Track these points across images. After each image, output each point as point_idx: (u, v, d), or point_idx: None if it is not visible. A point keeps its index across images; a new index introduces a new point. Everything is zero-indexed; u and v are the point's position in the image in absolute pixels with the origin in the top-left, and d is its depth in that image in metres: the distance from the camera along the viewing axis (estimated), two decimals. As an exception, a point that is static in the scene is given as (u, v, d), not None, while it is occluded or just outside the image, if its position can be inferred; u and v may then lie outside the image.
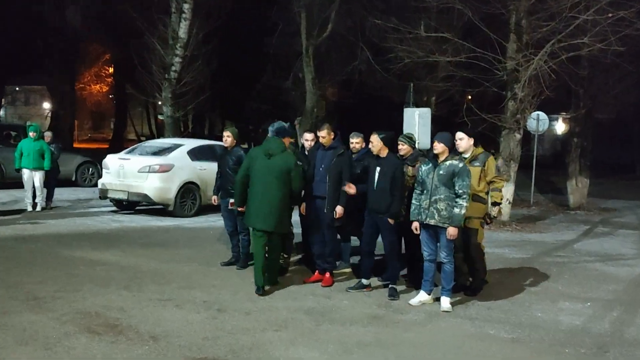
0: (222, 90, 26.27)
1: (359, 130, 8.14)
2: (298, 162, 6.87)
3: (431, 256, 6.59)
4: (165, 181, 12.41)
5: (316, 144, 7.65)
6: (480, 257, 7.09)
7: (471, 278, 7.25)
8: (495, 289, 7.41)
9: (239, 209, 7.36)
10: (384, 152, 6.93)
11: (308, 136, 8.09)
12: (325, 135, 7.26)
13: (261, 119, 38.30)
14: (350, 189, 7.08)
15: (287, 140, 7.04)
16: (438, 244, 6.58)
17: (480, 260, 7.09)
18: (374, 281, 7.42)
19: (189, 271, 7.83)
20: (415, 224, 6.61)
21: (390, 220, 6.78)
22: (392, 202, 6.76)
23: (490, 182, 6.95)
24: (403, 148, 7.16)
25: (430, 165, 6.51)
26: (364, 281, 7.21)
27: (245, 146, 41.67)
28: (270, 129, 7.04)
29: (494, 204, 6.92)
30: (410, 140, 7.21)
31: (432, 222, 6.41)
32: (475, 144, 7.02)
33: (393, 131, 7.14)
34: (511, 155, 13.19)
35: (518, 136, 13.23)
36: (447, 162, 6.40)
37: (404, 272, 7.67)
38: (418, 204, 6.58)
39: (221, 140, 8.44)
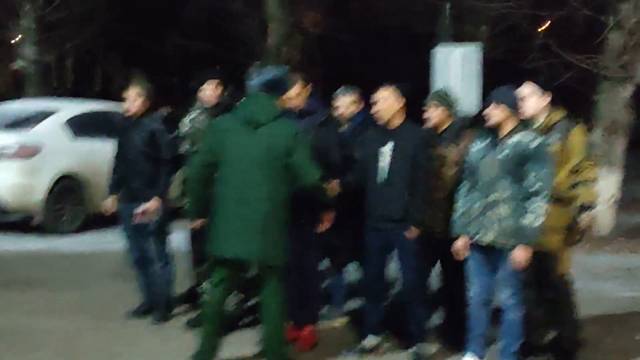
0: (124, 18, 26.11)
1: (356, 83, 8.13)
2: (300, 134, 6.56)
3: (483, 296, 6.63)
4: (28, 174, 12.41)
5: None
6: (568, 297, 7.12)
7: (552, 332, 7.29)
8: (593, 351, 7.43)
9: (193, 225, 7.09)
10: (398, 120, 6.93)
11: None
12: (296, 91, 7.25)
13: (192, 65, 38.01)
14: (333, 188, 7.05)
15: (283, 100, 6.75)
16: (496, 276, 6.60)
17: (569, 304, 7.12)
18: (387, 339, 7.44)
19: (72, 329, 7.78)
20: (461, 242, 6.62)
21: (414, 232, 6.78)
22: (414, 202, 6.78)
23: (575, 170, 6.97)
24: (435, 115, 7.16)
25: (487, 142, 6.52)
26: (370, 339, 7.21)
27: (165, 112, 41.67)
28: (259, 79, 6.62)
29: (583, 207, 6.92)
30: (446, 101, 7.22)
31: (487, 238, 6.44)
32: (552, 106, 7.04)
33: (409, 83, 7.09)
34: (615, 125, 13.26)
35: (626, 92, 13.29)
36: (514, 138, 6.41)
37: (435, 318, 7.69)
38: (466, 207, 6.60)
39: (122, 102, 8.36)
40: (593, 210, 7.04)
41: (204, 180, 6.60)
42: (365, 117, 7.90)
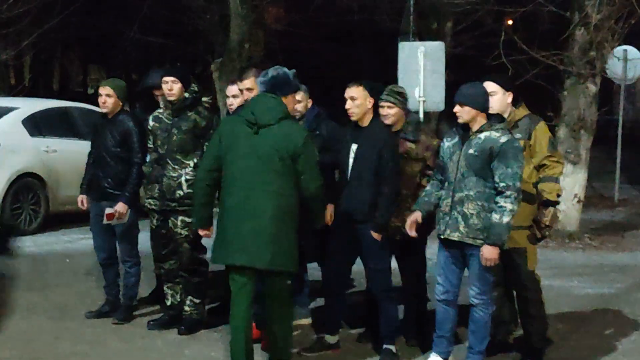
0: (82, 14, 25.91)
1: (319, 80, 8.14)
2: (308, 138, 6.41)
3: (448, 295, 6.64)
4: (-16, 173, 12.31)
5: (241, 107, 7.64)
6: (536, 295, 7.17)
7: (520, 330, 7.35)
8: (560, 348, 7.50)
9: (202, 233, 6.77)
10: (368, 118, 6.96)
11: (230, 90, 8.05)
12: (251, 86, 7.27)
13: (152, 61, 37.77)
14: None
15: (291, 100, 6.57)
16: (463, 274, 6.64)
17: (536, 302, 7.17)
18: (350, 337, 7.47)
19: (31, 330, 7.76)
20: (415, 216, 6.64)
21: (376, 235, 6.83)
22: (379, 202, 6.81)
23: (540, 167, 7.02)
24: (391, 113, 7.19)
25: (457, 139, 6.56)
26: (328, 338, 7.22)
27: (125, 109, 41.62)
28: (261, 79, 6.51)
29: (547, 203, 6.98)
30: (400, 100, 7.22)
31: (455, 236, 6.45)
32: (515, 103, 7.08)
33: (381, 82, 7.11)
34: (581, 121, 13.34)
35: (592, 88, 13.40)
36: (482, 135, 6.43)
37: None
38: (431, 190, 6.69)
39: (81, 100, 8.31)
40: (557, 207, 7.12)
41: (210, 185, 6.43)
42: (317, 113, 7.93)
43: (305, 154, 6.27)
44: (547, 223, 6.97)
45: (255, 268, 6.27)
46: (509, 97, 7.00)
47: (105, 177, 7.92)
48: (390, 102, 7.16)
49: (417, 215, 6.64)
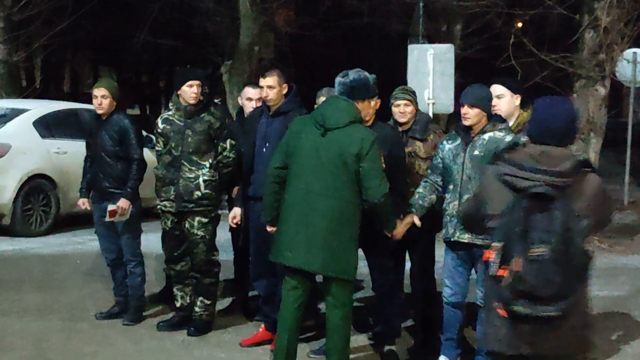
0: (92, 16, 25.97)
1: (329, 82, 8.16)
2: (375, 144, 6.18)
3: (456, 297, 6.63)
4: (-4, 174, 12.32)
5: (258, 109, 7.67)
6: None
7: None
8: (568, 351, 7.50)
9: (269, 229, 6.63)
10: (370, 120, 6.87)
11: (251, 93, 8.07)
12: (273, 84, 7.27)
13: (161, 63, 37.89)
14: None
15: (366, 105, 6.51)
16: (470, 276, 6.64)
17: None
18: (358, 339, 7.45)
19: (41, 330, 7.77)
20: (410, 219, 6.66)
21: (390, 234, 6.81)
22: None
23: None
24: (408, 110, 7.22)
25: (459, 141, 6.55)
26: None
27: (136, 112, 41.62)
28: (339, 80, 6.44)
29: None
30: (414, 98, 7.32)
31: (465, 238, 6.42)
32: (523, 105, 7.07)
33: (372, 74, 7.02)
34: (590, 124, 13.34)
35: (602, 91, 13.39)
36: (486, 136, 6.43)
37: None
38: (424, 193, 6.72)
39: (92, 102, 8.29)
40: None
41: (279, 182, 6.31)
42: None
43: (370, 160, 6.07)
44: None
45: (306, 271, 6.18)
46: (517, 100, 6.98)
47: (106, 177, 7.90)
48: (407, 99, 7.21)
49: (412, 218, 6.66)
